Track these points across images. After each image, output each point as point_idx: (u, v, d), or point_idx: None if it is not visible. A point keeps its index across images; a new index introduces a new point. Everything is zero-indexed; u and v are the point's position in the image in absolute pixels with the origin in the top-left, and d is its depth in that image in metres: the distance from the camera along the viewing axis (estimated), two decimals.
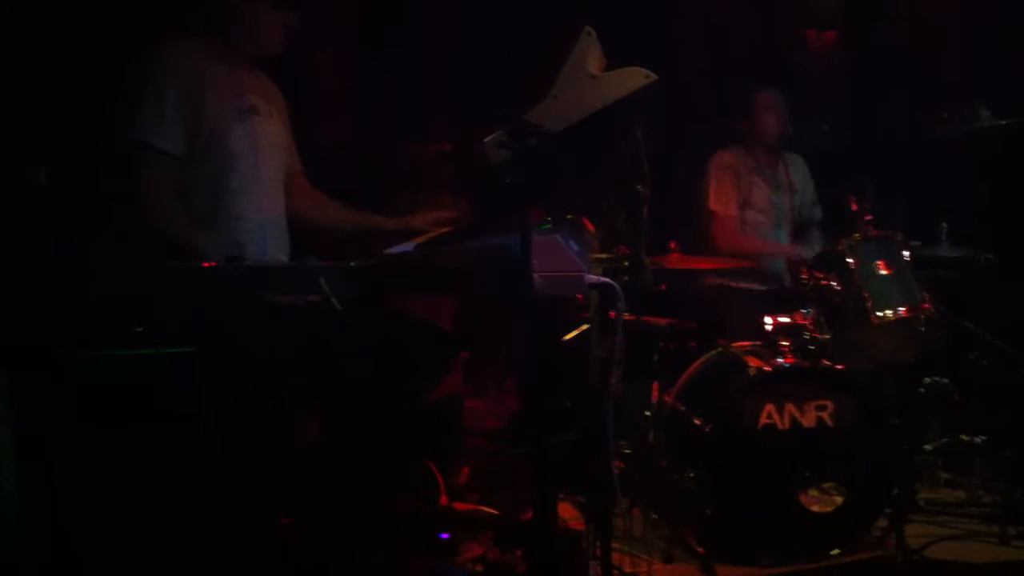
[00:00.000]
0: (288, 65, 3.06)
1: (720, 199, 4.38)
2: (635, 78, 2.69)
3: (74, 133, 2.89)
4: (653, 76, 2.69)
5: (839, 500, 3.46)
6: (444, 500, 3.33)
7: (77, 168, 2.88)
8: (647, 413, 3.73)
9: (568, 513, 3.47)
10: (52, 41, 2.94)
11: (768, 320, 3.67)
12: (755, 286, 4.34)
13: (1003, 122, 4.06)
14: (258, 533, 2.47)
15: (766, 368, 3.51)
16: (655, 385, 3.78)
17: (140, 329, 2.34)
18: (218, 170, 2.82)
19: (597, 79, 2.68)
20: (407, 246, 2.76)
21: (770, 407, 3.43)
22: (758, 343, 3.70)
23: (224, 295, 2.46)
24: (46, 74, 2.89)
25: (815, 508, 3.45)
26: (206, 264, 2.44)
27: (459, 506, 3.32)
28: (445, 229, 2.84)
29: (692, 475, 3.48)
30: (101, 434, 2.26)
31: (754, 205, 4.39)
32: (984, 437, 4.08)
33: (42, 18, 2.84)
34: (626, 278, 3.05)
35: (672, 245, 3.83)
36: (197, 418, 2.33)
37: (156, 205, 2.76)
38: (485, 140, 2.67)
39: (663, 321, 3.86)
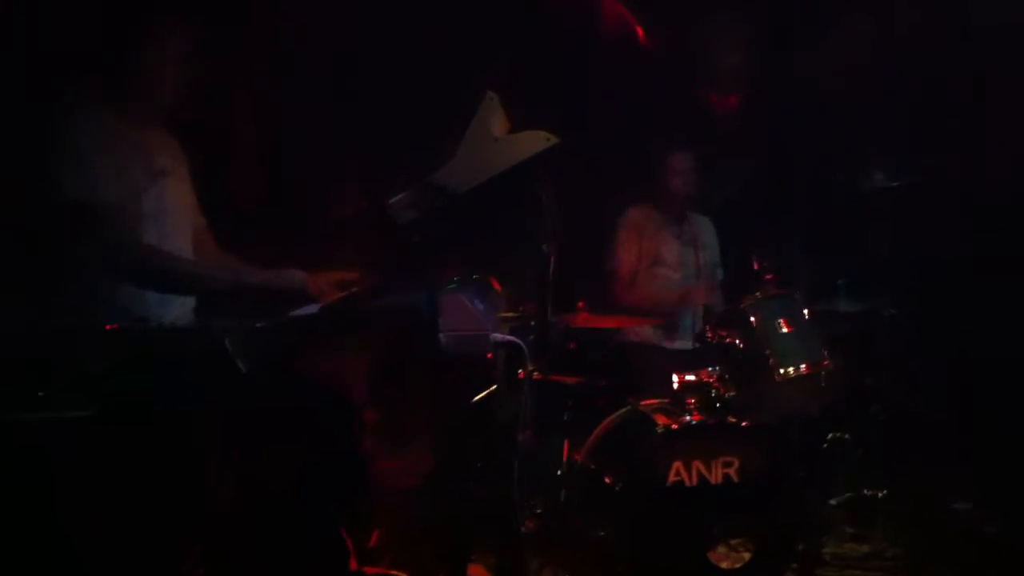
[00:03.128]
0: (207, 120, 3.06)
1: (619, 258, 4.45)
2: (537, 141, 2.76)
3: None
4: (555, 139, 2.75)
5: (747, 556, 3.50)
6: (354, 565, 3.28)
7: None
8: (558, 472, 3.75)
9: (479, 574, 3.45)
10: None
11: (675, 378, 3.73)
12: (664, 343, 4.41)
13: (895, 184, 4.24)
14: None
15: (673, 426, 3.55)
16: (566, 443, 3.81)
17: (41, 393, 2.32)
18: (129, 232, 2.79)
19: (500, 141, 2.74)
20: (311, 308, 2.76)
21: (678, 464, 3.46)
22: (666, 400, 3.76)
23: (127, 357, 2.44)
24: None
25: (724, 564, 3.48)
26: (108, 327, 2.42)
27: (369, 570, 3.28)
28: (350, 290, 2.84)
29: (603, 533, 3.50)
30: None
31: (664, 261, 4.45)
32: (886, 491, 4.18)
33: None
34: (532, 337, 3.10)
35: (580, 304, 3.89)
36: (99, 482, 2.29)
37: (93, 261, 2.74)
38: (391, 201, 2.71)
39: (572, 380, 3.90)
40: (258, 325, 2.57)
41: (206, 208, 3.08)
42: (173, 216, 2.92)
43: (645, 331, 4.39)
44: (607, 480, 3.53)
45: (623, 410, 3.80)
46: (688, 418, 3.61)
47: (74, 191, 2.70)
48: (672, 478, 3.46)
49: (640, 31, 5.12)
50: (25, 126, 2.83)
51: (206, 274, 2.91)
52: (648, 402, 3.78)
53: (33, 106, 2.87)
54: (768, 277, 3.96)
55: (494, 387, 3.05)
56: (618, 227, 4.49)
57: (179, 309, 2.85)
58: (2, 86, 3.02)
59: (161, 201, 2.87)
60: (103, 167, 2.74)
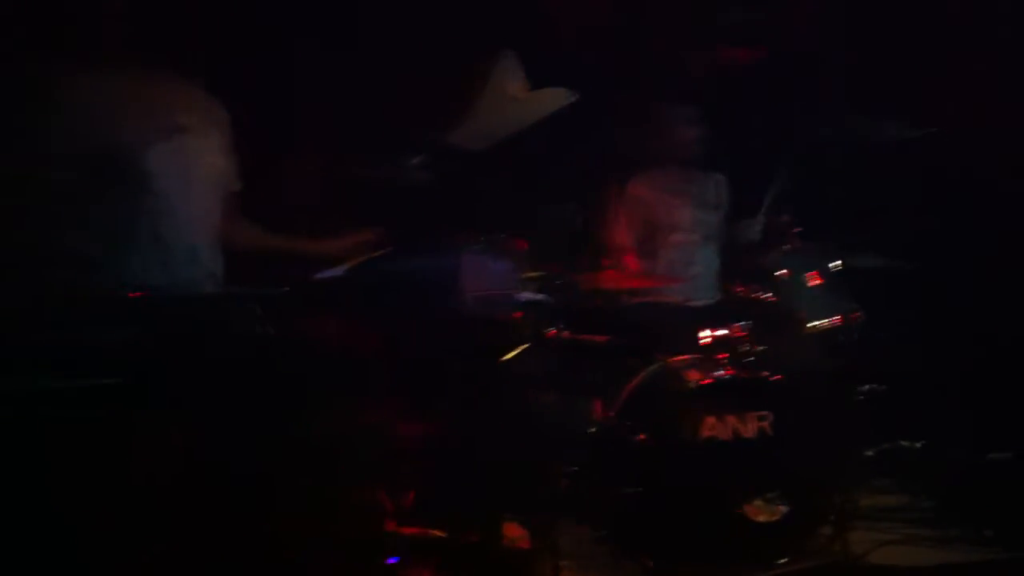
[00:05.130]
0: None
1: (618, 231, 4.36)
2: (556, 99, 2.76)
3: None
4: (574, 97, 2.75)
5: (783, 509, 3.49)
6: (391, 525, 3.32)
7: None
8: (590, 430, 3.76)
9: (515, 532, 3.47)
10: None
11: (705, 333, 3.72)
12: (687, 300, 4.39)
13: (919, 133, 4.18)
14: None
15: (706, 381, 3.55)
16: (597, 402, 3.81)
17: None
18: (135, 191, 2.74)
19: (518, 100, 2.75)
20: (337, 271, 2.78)
21: (711, 419, 3.46)
22: (696, 356, 3.75)
23: (152, 324, 2.47)
24: None
25: (760, 518, 3.48)
26: (132, 295, 2.45)
27: (405, 530, 3.32)
28: (374, 253, 2.86)
29: (638, 490, 3.51)
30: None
31: (678, 227, 4.41)
32: (923, 442, 4.15)
33: None
34: (559, 295, 3.11)
35: (606, 262, 3.88)
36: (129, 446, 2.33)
37: (60, 234, 2.66)
38: (413, 162, 2.73)
39: (600, 338, 3.90)
40: (284, 289, 2.59)
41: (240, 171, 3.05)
42: (193, 175, 2.86)
43: (672, 286, 4.36)
44: (640, 437, 3.54)
45: (653, 367, 3.79)
46: (720, 373, 3.60)
47: (67, 147, 2.66)
48: (706, 433, 3.46)
49: None
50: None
51: (230, 241, 2.90)
52: (678, 358, 3.78)
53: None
54: (795, 230, 3.94)
55: (524, 346, 3.08)
56: (619, 201, 4.44)
57: (204, 275, 2.84)
58: None
59: (176, 159, 2.81)
60: (95, 128, 2.70)
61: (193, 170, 2.81)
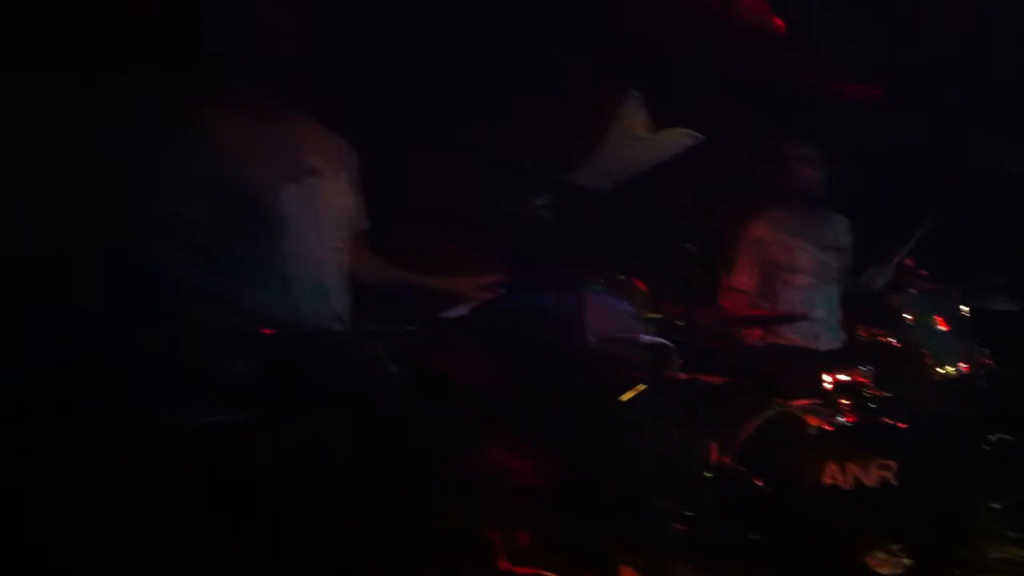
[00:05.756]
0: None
1: (739, 274, 4.31)
2: (681, 138, 2.74)
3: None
4: (699, 136, 2.73)
5: (907, 561, 3.39)
6: (504, 564, 3.31)
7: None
8: (706, 473, 3.70)
9: (629, 575, 3.43)
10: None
11: (826, 378, 3.65)
12: (812, 342, 4.30)
13: None
14: None
15: (827, 427, 3.48)
16: (712, 445, 3.75)
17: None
18: (267, 234, 2.80)
19: (643, 140, 2.73)
20: (462, 309, 2.79)
21: (832, 467, 3.39)
22: (816, 401, 3.67)
23: (282, 360, 2.52)
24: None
25: (883, 570, 3.38)
26: (266, 331, 2.49)
27: (519, 570, 3.30)
28: (497, 292, 2.86)
29: (755, 537, 3.44)
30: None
31: (800, 268, 4.32)
32: None
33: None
34: (678, 337, 3.07)
35: (725, 303, 3.84)
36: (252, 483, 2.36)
37: (189, 276, 2.74)
38: (536, 202, 2.73)
39: (718, 379, 3.84)
40: (408, 328, 2.61)
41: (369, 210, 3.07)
42: (324, 217, 2.90)
43: (792, 329, 4.28)
44: (757, 483, 3.47)
45: (771, 411, 3.72)
46: (841, 419, 3.52)
47: (206, 188, 2.75)
48: (827, 480, 3.38)
49: (776, 20, 4.94)
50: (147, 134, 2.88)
51: (358, 278, 2.93)
52: (798, 403, 3.70)
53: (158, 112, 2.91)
54: (922, 273, 3.84)
55: (641, 387, 3.05)
56: (739, 242, 4.37)
57: (332, 313, 2.89)
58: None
59: (308, 202, 2.85)
60: (232, 170, 2.77)
61: (323, 211, 2.86)
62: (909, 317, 3.74)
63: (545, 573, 3.34)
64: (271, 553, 2.41)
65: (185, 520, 2.32)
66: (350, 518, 2.58)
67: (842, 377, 3.64)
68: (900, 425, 3.48)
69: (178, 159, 2.73)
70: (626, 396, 3.13)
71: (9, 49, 2.62)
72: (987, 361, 3.70)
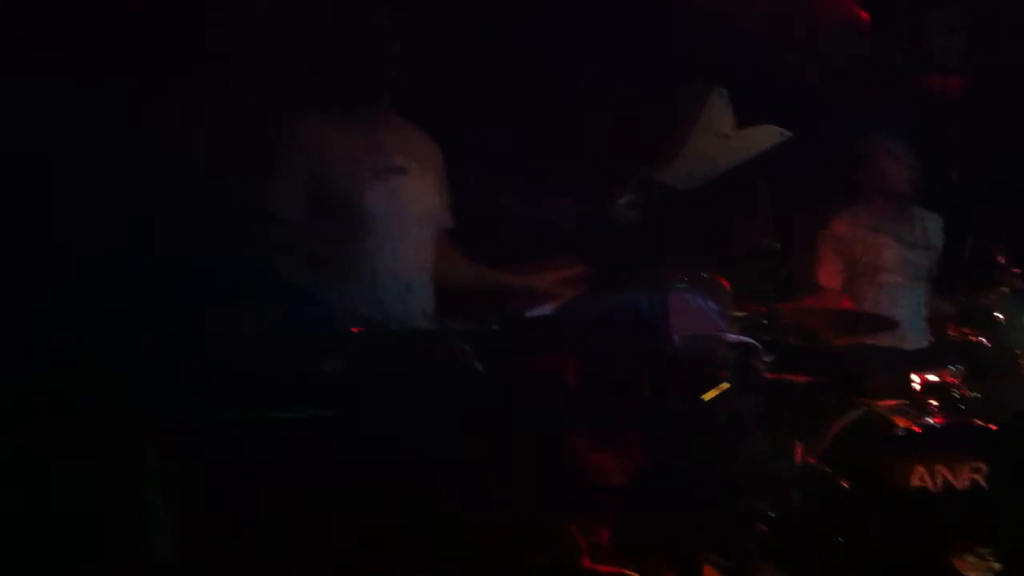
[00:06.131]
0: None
1: (823, 270, 4.28)
2: (768, 136, 2.71)
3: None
4: (787, 134, 2.69)
5: (996, 566, 3.32)
6: (587, 562, 3.31)
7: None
8: (790, 474, 3.66)
9: None
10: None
11: (915, 378, 3.58)
12: (899, 341, 4.22)
13: None
14: None
15: (915, 428, 3.42)
16: (797, 445, 3.71)
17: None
18: (355, 231, 2.84)
19: (729, 138, 2.70)
20: (546, 309, 2.79)
21: (921, 469, 3.33)
22: (904, 402, 3.61)
23: (365, 358, 2.54)
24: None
25: (972, 574, 3.32)
26: (354, 329, 2.52)
27: (602, 568, 3.30)
28: (575, 291, 2.86)
29: (840, 539, 3.39)
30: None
31: (883, 266, 4.24)
32: None
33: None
34: (763, 336, 3.04)
35: (810, 302, 3.79)
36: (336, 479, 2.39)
37: (288, 272, 2.80)
38: (619, 201, 2.72)
39: (804, 379, 3.79)
40: (494, 327, 2.62)
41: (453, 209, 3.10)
42: (408, 215, 2.93)
43: (879, 327, 4.21)
44: (843, 484, 3.42)
45: (858, 411, 3.67)
46: (930, 420, 3.46)
47: (298, 188, 2.81)
48: (914, 483, 3.33)
49: (863, 15, 4.86)
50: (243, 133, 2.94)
51: (442, 277, 2.96)
52: (885, 403, 3.64)
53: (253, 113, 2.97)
54: (1015, 271, 3.75)
55: (725, 385, 3.02)
56: (822, 239, 4.31)
57: (417, 311, 2.91)
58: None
59: (393, 200, 2.89)
60: (322, 170, 2.83)
61: (407, 209, 2.89)
62: (1001, 316, 3.65)
63: (627, 572, 3.34)
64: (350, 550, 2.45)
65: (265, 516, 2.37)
66: (434, 515, 2.60)
67: (931, 377, 3.57)
68: (991, 426, 3.40)
69: (275, 161, 2.79)
70: (709, 395, 3.10)
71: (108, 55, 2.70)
72: None
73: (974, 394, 3.52)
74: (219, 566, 2.34)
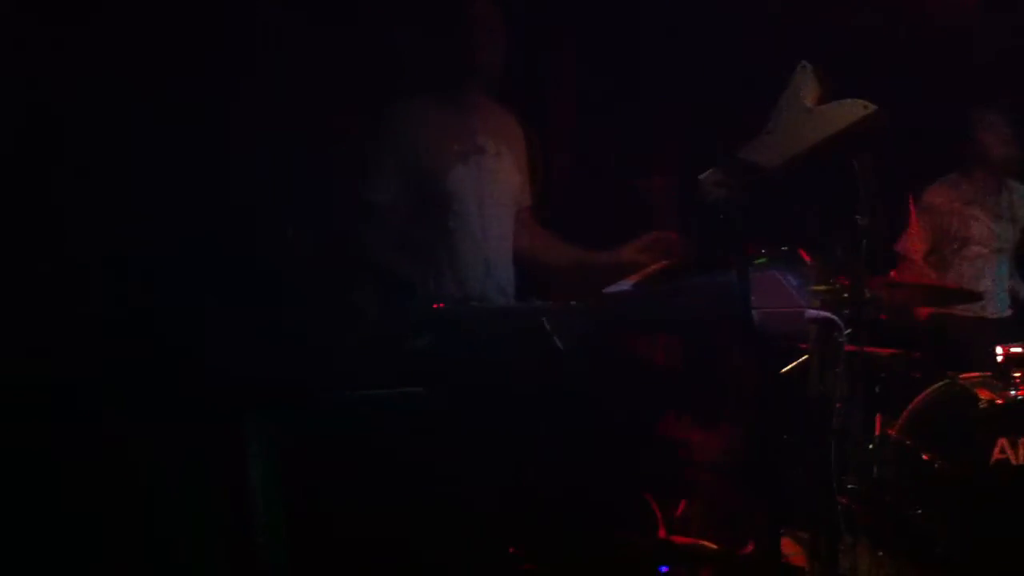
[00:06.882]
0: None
1: (909, 240, 4.21)
2: (854, 110, 2.65)
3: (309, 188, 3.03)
4: (872, 107, 2.63)
5: None
6: (663, 533, 3.33)
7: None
8: (871, 447, 3.63)
9: (790, 548, 3.40)
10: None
11: (999, 350, 3.52)
12: (983, 313, 4.16)
13: None
14: (493, 563, 2.56)
15: (998, 400, 3.37)
16: (878, 418, 3.68)
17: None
18: (437, 211, 2.90)
19: (813, 113, 2.65)
20: (624, 284, 2.79)
21: (1003, 441, 3.30)
22: (988, 374, 3.56)
23: (450, 335, 2.58)
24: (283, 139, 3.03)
25: None
26: (435, 306, 2.56)
27: (678, 539, 3.32)
28: (659, 265, 2.85)
29: (921, 511, 3.37)
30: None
31: (973, 239, 4.17)
32: None
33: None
34: (846, 310, 3.01)
35: (893, 274, 3.74)
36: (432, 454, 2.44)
37: (379, 255, 2.89)
38: (701, 177, 2.69)
39: (885, 352, 3.75)
40: (573, 304, 2.63)
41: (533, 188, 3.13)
42: (486, 192, 2.97)
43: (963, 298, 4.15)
44: (925, 457, 3.40)
45: (940, 383, 3.62)
46: (1013, 393, 3.41)
47: (386, 170, 2.87)
48: (996, 455, 3.29)
49: None
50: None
51: (525, 255, 2.99)
52: (968, 375, 3.59)
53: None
54: None
55: (805, 358, 3.01)
56: (915, 209, 4.24)
57: (496, 287, 2.94)
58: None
59: (473, 179, 2.93)
60: (412, 156, 2.89)
61: (487, 188, 2.93)
62: None
63: (704, 543, 3.36)
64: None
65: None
66: (519, 489, 2.64)
67: (1015, 349, 3.51)
68: None
69: (370, 147, 2.86)
70: (788, 369, 3.09)
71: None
72: None
73: None
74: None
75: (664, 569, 3.17)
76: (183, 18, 2.72)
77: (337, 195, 2.86)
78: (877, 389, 3.71)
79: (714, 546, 3.35)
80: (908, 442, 3.52)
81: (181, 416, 2.31)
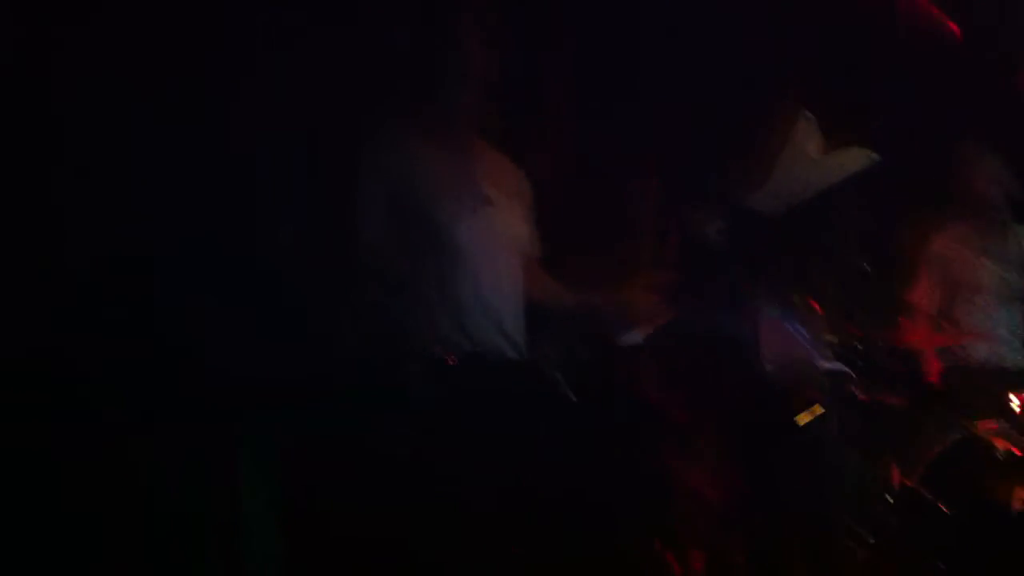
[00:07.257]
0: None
1: (921, 292, 4.16)
2: (857, 159, 2.69)
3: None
4: (876, 157, 2.67)
5: None
6: None
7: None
8: (888, 497, 3.60)
9: None
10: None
11: (1014, 399, 3.50)
12: (999, 361, 4.12)
13: None
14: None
15: (1016, 451, 3.35)
16: (894, 467, 3.65)
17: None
18: (445, 262, 2.81)
19: (818, 161, 2.69)
20: (635, 336, 2.79)
21: (1022, 492, 3.26)
22: (1004, 423, 3.53)
23: (458, 388, 2.58)
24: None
25: None
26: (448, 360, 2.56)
27: None
28: (671, 316, 2.85)
29: (942, 564, 3.33)
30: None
31: (982, 286, 4.12)
32: None
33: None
34: (857, 360, 3.02)
35: (903, 321, 3.73)
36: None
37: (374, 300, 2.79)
38: (709, 228, 2.72)
39: (899, 400, 3.73)
40: (585, 357, 2.64)
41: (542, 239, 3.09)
42: (496, 246, 2.89)
43: (978, 348, 4.11)
44: (943, 508, 3.36)
45: (957, 434, 3.60)
46: None
47: (390, 218, 2.78)
48: (1017, 507, 3.26)
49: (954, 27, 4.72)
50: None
51: (532, 303, 2.96)
52: (985, 424, 3.57)
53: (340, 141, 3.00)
54: None
55: (818, 409, 3.01)
56: (920, 258, 4.19)
57: (507, 339, 2.93)
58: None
59: (481, 231, 2.85)
60: (412, 198, 2.78)
61: (495, 240, 2.88)
62: None
63: None
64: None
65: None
66: (529, 542, 2.62)
67: None
68: None
69: (364, 186, 2.80)
70: (803, 418, 3.09)
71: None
72: None
73: None
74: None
75: None
76: (183, 18, 2.71)
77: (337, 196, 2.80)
78: (893, 439, 3.69)
79: None
80: (926, 493, 3.48)
81: (180, 416, 2.32)
